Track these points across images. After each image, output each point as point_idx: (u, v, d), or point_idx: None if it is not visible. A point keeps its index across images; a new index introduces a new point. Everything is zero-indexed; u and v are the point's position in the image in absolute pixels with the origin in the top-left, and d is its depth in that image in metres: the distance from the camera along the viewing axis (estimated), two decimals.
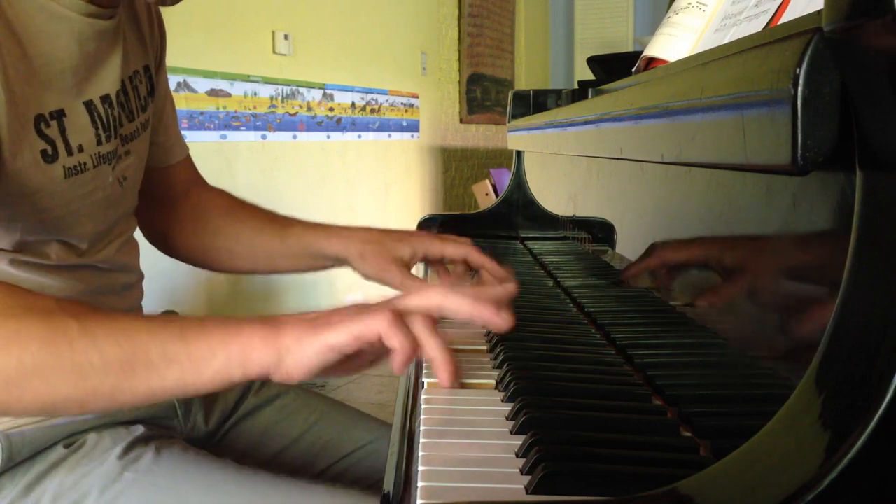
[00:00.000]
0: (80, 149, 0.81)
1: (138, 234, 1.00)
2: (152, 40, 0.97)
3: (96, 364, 0.59)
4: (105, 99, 0.85)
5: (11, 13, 0.73)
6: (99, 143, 0.83)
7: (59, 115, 0.78)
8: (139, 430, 0.86)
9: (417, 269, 1.17)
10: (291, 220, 1.07)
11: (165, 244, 1.09)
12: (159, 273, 1.03)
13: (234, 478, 0.84)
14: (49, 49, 0.77)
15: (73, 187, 0.80)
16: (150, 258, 1.02)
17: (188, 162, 1.09)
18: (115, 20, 0.84)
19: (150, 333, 0.61)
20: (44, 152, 0.77)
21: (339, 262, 1.02)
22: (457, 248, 1.02)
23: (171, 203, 1.07)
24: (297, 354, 0.61)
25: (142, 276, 0.98)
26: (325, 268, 1.05)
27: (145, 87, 0.94)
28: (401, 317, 0.62)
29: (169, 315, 0.65)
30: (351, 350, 0.61)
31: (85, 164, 0.82)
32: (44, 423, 0.82)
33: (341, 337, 0.60)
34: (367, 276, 1.00)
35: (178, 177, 1.08)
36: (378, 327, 0.61)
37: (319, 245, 1.02)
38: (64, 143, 0.79)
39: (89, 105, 0.83)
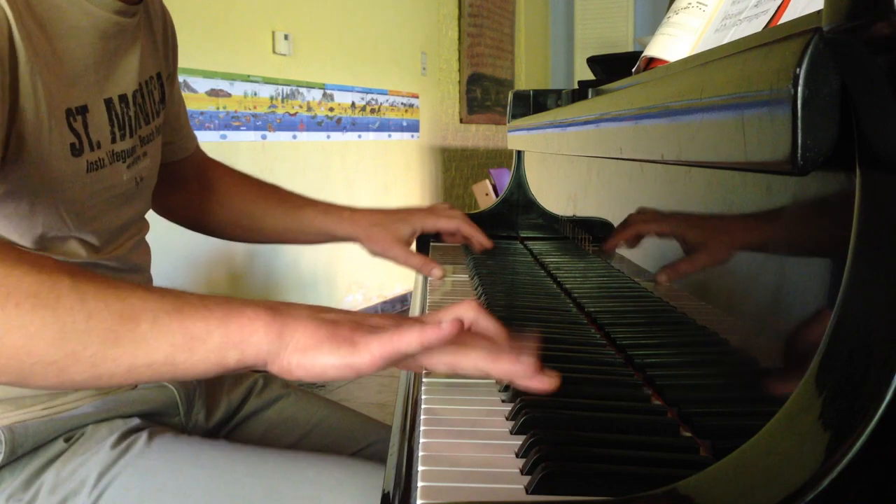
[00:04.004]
0: (98, 145, 0.83)
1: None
2: (165, 49, 1.01)
3: (80, 325, 0.54)
4: (122, 98, 0.87)
5: (40, 9, 0.74)
6: (113, 140, 0.85)
7: (83, 110, 0.80)
8: (135, 421, 0.87)
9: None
10: (303, 200, 1.17)
11: (177, 216, 1.16)
12: (160, 273, 1.04)
13: (228, 455, 0.84)
14: (75, 44, 0.79)
15: (92, 182, 0.82)
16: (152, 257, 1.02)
17: (197, 149, 1.17)
18: (136, 19, 0.87)
19: (144, 301, 0.56)
20: (73, 145, 0.78)
21: (348, 240, 1.14)
22: (449, 222, 1.20)
23: (183, 183, 1.14)
24: (307, 358, 0.57)
25: (151, 279, 1.00)
26: (330, 242, 1.17)
27: (158, 93, 0.97)
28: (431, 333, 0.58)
29: (171, 289, 0.61)
30: (371, 372, 0.58)
31: (103, 160, 0.84)
32: (47, 417, 0.82)
33: (365, 360, 0.56)
34: (374, 254, 1.13)
35: (189, 164, 1.15)
36: (407, 347, 0.57)
37: (330, 227, 1.14)
38: (87, 139, 0.81)
39: (109, 103, 0.85)
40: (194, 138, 1.16)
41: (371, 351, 0.57)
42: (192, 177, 1.15)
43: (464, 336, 0.62)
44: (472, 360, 0.60)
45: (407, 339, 0.57)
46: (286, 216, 1.14)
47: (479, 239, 1.23)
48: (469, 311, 0.64)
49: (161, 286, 0.61)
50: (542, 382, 0.60)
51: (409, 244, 1.15)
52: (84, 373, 0.55)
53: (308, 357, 0.57)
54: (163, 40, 1.00)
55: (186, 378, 0.59)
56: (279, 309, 0.59)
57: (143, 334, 0.55)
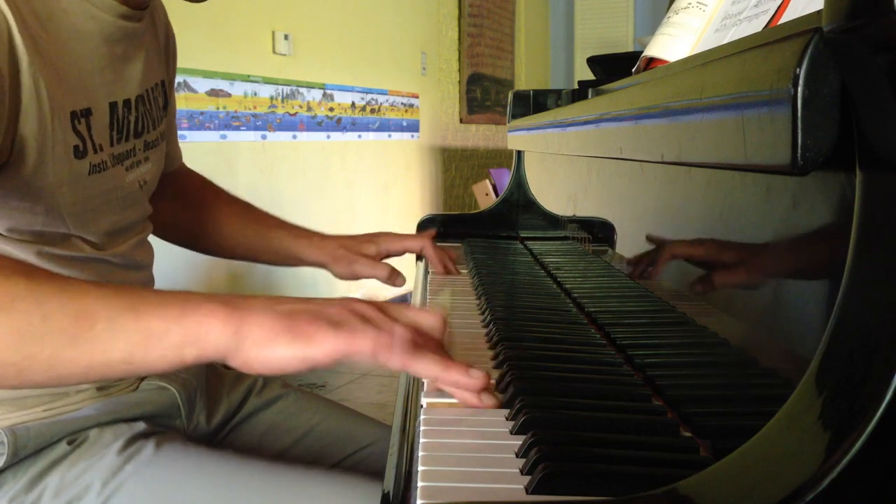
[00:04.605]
0: (101, 148, 0.83)
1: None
2: (167, 59, 1.02)
3: (37, 327, 0.54)
4: (126, 103, 0.88)
5: (45, 12, 0.75)
6: (112, 144, 0.86)
7: (87, 113, 0.81)
8: (140, 426, 0.86)
9: (417, 274, 1.20)
10: (275, 221, 1.17)
11: (162, 233, 1.15)
12: (160, 273, 1.04)
13: (235, 467, 0.84)
14: (80, 48, 0.79)
15: (94, 184, 0.83)
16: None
17: (182, 163, 1.18)
18: (142, 25, 0.88)
19: (100, 300, 0.57)
20: (76, 148, 0.79)
21: (316, 265, 1.15)
22: (414, 242, 1.21)
23: (166, 196, 1.13)
24: (265, 352, 0.57)
25: (153, 277, 1.00)
26: (298, 266, 1.17)
27: (162, 100, 0.98)
28: (387, 333, 0.59)
29: (128, 286, 0.61)
30: (327, 364, 0.58)
31: (105, 162, 0.84)
32: (48, 418, 0.82)
33: (320, 353, 0.57)
34: (341, 277, 1.14)
35: (174, 177, 1.15)
36: (364, 348, 0.57)
37: (299, 251, 1.14)
38: (91, 141, 0.82)
39: (113, 106, 0.85)
40: (180, 151, 1.17)
41: (325, 347, 0.57)
42: (174, 189, 1.15)
43: (417, 337, 0.61)
44: (425, 366, 0.60)
45: (361, 346, 0.57)
46: (256, 236, 1.14)
47: (444, 263, 1.20)
48: (429, 319, 0.64)
49: (119, 284, 0.61)
50: (481, 401, 0.60)
51: (375, 267, 1.14)
52: (42, 373, 0.56)
53: (266, 350, 0.57)
54: (165, 48, 1.01)
55: (144, 374, 0.59)
56: (236, 304, 0.59)
57: (98, 334, 0.56)
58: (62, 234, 0.82)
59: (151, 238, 1.01)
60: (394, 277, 1.14)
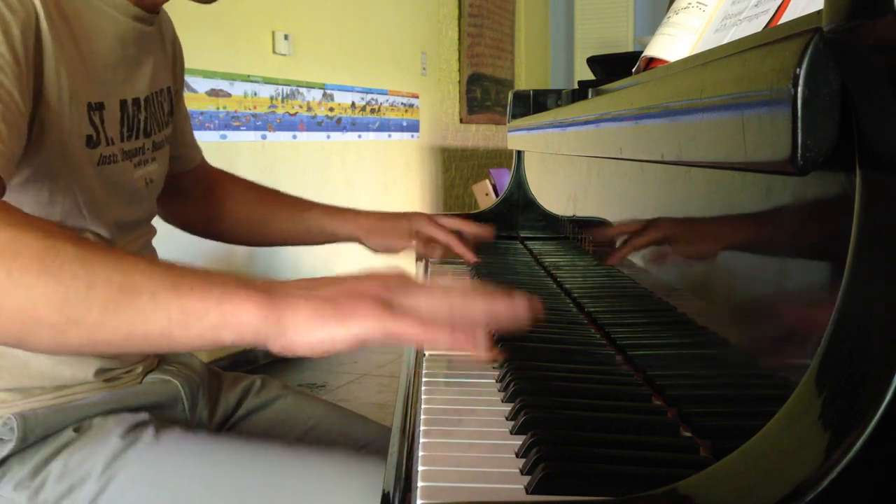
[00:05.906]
0: (112, 141, 0.87)
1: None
2: (174, 67, 1.06)
3: (82, 292, 0.55)
4: (136, 102, 0.92)
5: (68, 10, 0.79)
6: (122, 139, 0.89)
7: (101, 107, 0.85)
8: (143, 415, 0.88)
9: (417, 273, 1.20)
10: (307, 203, 1.21)
11: (187, 225, 1.20)
12: None
13: (234, 452, 0.86)
14: (96, 46, 0.84)
15: (104, 175, 0.86)
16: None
17: (203, 160, 1.22)
18: (154, 29, 0.93)
19: (145, 274, 0.58)
20: (89, 137, 0.83)
21: (350, 240, 1.18)
22: (451, 222, 1.21)
23: (191, 193, 1.18)
24: (313, 335, 0.57)
25: None
26: (332, 242, 1.21)
27: (167, 105, 1.01)
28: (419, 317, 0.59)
29: (173, 262, 0.62)
30: (377, 343, 0.59)
31: (115, 155, 0.88)
32: (56, 406, 0.84)
33: (369, 331, 0.57)
34: (374, 250, 1.17)
35: (195, 174, 1.19)
36: (400, 330, 0.58)
37: (334, 228, 1.18)
38: (104, 134, 0.85)
39: (124, 104, 0.89)
40: (199, 150, 1.20)
41: (374, 324, 0.57)
42: (200, 187, 1.19)
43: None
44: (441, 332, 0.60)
45: (404, 327, 0.58)
46: (292, 219, 1.19)
47: (482, 234, 1.23)
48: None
49: (167, 260, 0.62)
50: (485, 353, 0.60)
51: (409, 239, 1.18)
52: (82, 338, 0.57)
53: (313, 334, 0.57)
54: (172, 59, 1.05)
55: (184, 350, 0.60)
56: (273, 290, 0.59)
57: (142, 307, 0.56)
58: (78, 228, 0.84)
59: (157, 239, 1.03)
60: (430, 250, 1.17)
